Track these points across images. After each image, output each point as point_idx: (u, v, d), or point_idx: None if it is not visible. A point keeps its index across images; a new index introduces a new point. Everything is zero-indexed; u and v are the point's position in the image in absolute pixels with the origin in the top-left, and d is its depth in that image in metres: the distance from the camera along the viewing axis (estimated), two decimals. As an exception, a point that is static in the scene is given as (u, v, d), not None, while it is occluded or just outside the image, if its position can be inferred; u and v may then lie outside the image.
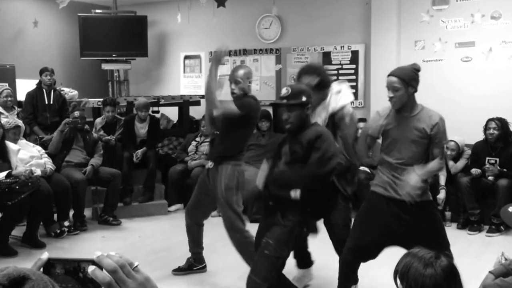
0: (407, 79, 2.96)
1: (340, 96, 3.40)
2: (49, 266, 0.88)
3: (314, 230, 3.36)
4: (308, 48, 6.90)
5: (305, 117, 2.95)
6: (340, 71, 6.69)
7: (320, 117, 3.34)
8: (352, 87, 6.61)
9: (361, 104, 6.59)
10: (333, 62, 6.74)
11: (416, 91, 3.03)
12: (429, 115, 3.02)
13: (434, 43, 6.08)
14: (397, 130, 3.06)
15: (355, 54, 6.59)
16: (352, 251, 3.14)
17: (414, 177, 2.93)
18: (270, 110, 6.62)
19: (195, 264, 4.08)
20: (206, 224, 4.06)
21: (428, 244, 2.73)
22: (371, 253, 3.14)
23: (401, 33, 6.21)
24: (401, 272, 1.62)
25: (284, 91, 2.93)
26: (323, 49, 6.80)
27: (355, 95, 6.60)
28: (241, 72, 3.58)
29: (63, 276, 0.89)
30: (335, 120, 3.36)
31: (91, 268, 0.86)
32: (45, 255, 0.87)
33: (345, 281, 3.27)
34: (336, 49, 6.71)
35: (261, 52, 7.26)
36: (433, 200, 3.22)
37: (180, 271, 4.06)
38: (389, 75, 3.00)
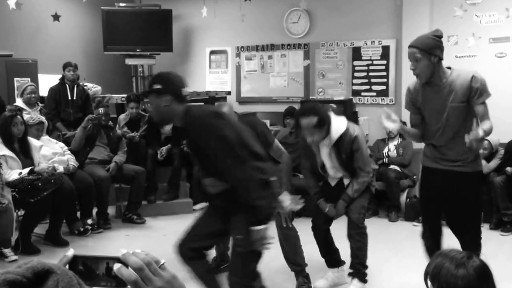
0: (427, 48, 2.92)
1: (335, 124, 3.53)
2: (74, 262, 0.89)
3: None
4: (337, 43, 6.87)
5: (164, 107, 2.59)
6: (370, 67, 6.65)
7: (324, 151, 3.56)
8: (383, 83, 6.59)
9: (392, 101, 6.54)
10: (363, 58, 6.70)
11: (441, 59, 2.98)
12: (459, 74, 3.02)
13: (468, 38, 5.99)
14: (432, 103, 3.08)
15: (386, 49, 6.53)
16: (429, 237, 3.30)
17: (479, 132, 2.90)
18: (298, 107, 6.62)
19: (221, 263, 4.15)
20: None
21: (459, 218, 3.00)
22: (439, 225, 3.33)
23: (434, 28, 6.08)
24: (432, 273, 1.62)
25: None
26: (353, 44, 6.75)
27: (386, 91, 6.56)
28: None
29: (88, 273, 0.90)
30: (352, 147, 3.51)
31: (116, 266, 0.87)
32: (70, 251, 0.89)
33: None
34: (366, 44, 6.66)
35: (289, 47, 7.26)
36: (481, 172, 3.30)
37: None
38: (409, 47, 2.99)
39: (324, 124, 3.39)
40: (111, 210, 5.65)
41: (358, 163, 3.53)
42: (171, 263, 0.97)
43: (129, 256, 0.88)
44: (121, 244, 4.92)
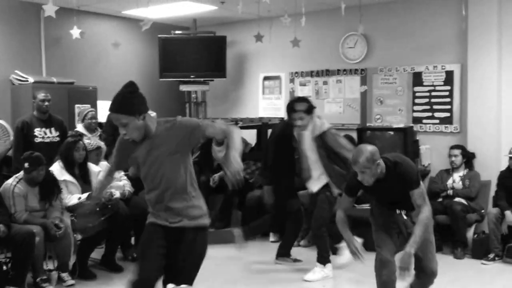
0: (131, 109, 2.73)
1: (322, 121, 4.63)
2: None
3: None
4: (396, 68, 6.83)
5: None
6: (433, 93, 6.53)
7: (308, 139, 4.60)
8: (447, 110, 6.47)
9: (457, 129, 6.37)
10: (424, 83, 6.59)
11: (145, 112, 2.78)
12: (164, 122, 2.87)
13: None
14: (145, 161, 2.86)
15: (449, 74, 6.41)
16: None
17: None
18: (354, 134, 6.60)
19: None
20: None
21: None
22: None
23: (502, 52, 5.97)
24: None
25: None
26: (414, 69, 6.68)
27: (450, 119, 6.44)
28: (362, 160, 3.29)
29: None
30: (325, 140, 4.58)
31: None
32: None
33: None
34: (428, 69, 6.58)
35: (345, 72, 7.28)
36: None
37: None
38: (110, 112, 2.79)
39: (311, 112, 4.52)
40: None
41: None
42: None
43: None
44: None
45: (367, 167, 3.28)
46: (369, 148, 3.34)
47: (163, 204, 2.88)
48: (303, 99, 4.74)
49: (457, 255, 5.48)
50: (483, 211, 5.69)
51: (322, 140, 4.58)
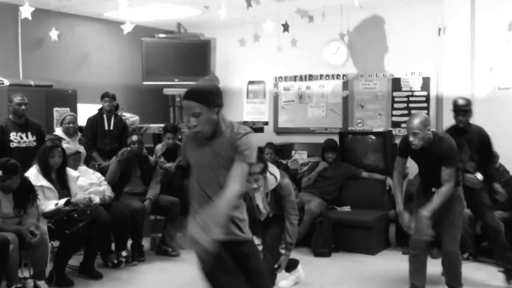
0: (207, 99, 2.57)
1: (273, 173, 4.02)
2: None
3: None
4: (376, 74, 6.87)
5: None
6: (411, 98, 6.61)
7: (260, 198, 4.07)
8: (424, 115, 6.50)
9: (434, 133, 6.42)
10: (403, 89, 6.67)
11: (221, 106, 2.63)
12: (233, 127, 2.67)
13: (511, 70, 5.87)
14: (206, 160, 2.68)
15: (426, 80, 6.50)
16: None
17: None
18: (336, 138, 6.58)
19: None
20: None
21: None
22: None
23: (475, 59, 6.06)
24: None
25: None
26: (393, 75, 6.75)
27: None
28: (416, 122, 3.76)
29: None
30: (281, 194, 4.01)
31: None
32: None
33: None
34: (406, 75, 6.64)
35: (327, 77, 7.26)
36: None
37: None
38: (184, 99, 2.62)
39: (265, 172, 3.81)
40: (145, 242, 5.63)
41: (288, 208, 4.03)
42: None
43: None
44: (155, 278, 4.91)
45: (419, 128, 3.70)
46: (423, 114, 3.90)
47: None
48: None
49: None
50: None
51: (278, 193, 4.10)
